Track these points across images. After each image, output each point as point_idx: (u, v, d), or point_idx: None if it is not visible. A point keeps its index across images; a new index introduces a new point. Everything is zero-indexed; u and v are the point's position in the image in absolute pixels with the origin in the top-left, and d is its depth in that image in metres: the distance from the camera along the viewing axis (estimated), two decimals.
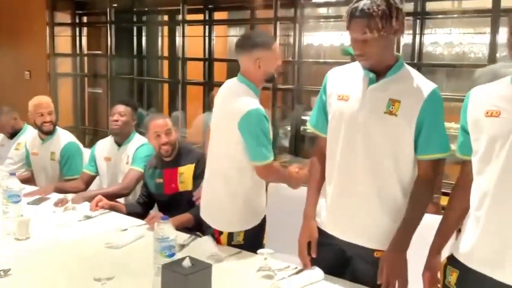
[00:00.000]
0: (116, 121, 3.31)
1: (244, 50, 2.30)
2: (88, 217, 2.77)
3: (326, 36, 4.74)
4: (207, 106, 4.77)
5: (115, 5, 5.03)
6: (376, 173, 1.87)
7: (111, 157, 3.36)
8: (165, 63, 5.57)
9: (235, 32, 5.98)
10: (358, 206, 1.92)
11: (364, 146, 1.87)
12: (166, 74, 5.61)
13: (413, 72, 1.90)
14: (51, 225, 2.62)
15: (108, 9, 4.94)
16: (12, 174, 2.51)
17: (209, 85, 4.69)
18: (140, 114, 5.52)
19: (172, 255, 1.86)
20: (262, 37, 2.34)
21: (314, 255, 2.02)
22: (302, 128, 4.06)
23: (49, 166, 3.58)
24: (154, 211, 2.94)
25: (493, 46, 3.26)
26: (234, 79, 2.40)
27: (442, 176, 1.93)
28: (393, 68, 1.87)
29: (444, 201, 3.06)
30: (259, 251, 1.96)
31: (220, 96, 2.44)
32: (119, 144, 3.36)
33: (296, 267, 2.09)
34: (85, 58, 5.78)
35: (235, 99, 2.32)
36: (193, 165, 2.86)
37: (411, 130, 1.83)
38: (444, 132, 1.86)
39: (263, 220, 2.43)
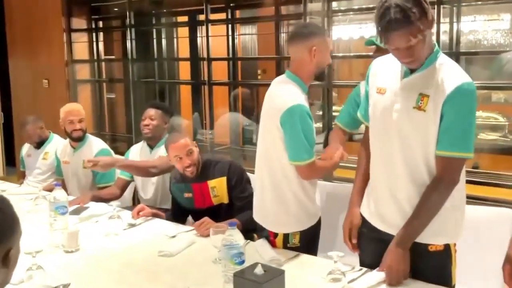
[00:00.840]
0: (147, 125, 3.27)
1: (299, 38, 2.24)
2: (132, 225, 2.70)
3: (354, 29, 4.66)
4: (232, 106, 4.70)
5: (134, 8, 4.94)
6: (411, 168, 1.83)
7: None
8: (183, 64, 5.51)
9: (249, 31, 5.92)
10: (403, 200, 1.86)
11: (398, 139, 1.83)
12: (184, 76, 5.56)
13: (448, 63, 1.81)
14: (98, 235, 2.56)
15: (127, 13, 4.86)
16: (58, 185, 2.44)
17: (235, 85, 4.62)
18: None
19: (242, 262, 1.79)
20: (317, 26, 2.36)
21: (354, 241, 2.04)
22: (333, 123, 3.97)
23: (82, 174, 3.51)
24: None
25: None
26: (283, 75, 2.33)
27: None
28: (427, 60, 1.79)
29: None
30: (329, 253, 1.89)
31: (267, 94, 2.38)
32: (151, 147, 3.30)
33: (361, 269, 2.03)
34: (103, 64, 5.71)
35: (280, 95, 2.27)
36: (225, 177, 2.72)
37: (437, 125, 1.76)
38: (467, 130, 1.76)
39: (319, 221, 2.36)
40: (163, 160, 2.99)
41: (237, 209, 2.69)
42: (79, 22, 5.58)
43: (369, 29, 4.78)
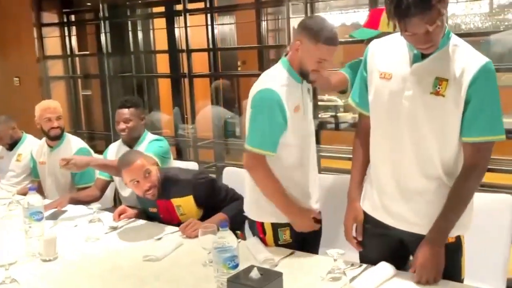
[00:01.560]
0: (123, 129, 3.01)
1: (298, 27, 2.12)
2: (114, 228, 2.54)
3: (337, 16, 4.54)
4: (214, 98, 4.55)
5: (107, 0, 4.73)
6: (423, 160, 1.71)
7: None
8: (160, 57, 5.32)
9: (227, 20, 5.75)
10: (411, 192, 1.75)
11: (409, 129, 1.70)
12: (162, 69, 5.37)
13: (462, 45, 1.69)
14: (77, 240, 2.39)
15: (100, 5, 4.65)
16: (32, 189, 2.26)
17: (216, 77, 4.46)
18: None
19: (236, 266, 1.66)
20: (317, 26, 2.03)
21: (360, 238, 1.93)
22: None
23: (60, 175, 3.32)
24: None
25: None
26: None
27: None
28: (441, 42, 1.65)
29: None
30: (328, 251, 1.76)
31: None
32: (131, 146, 3.12)
33: (361, 265, 1.91)
34: (77, 59, 5.49)
35: (259, 79, 2.14)
36: (191, 196, 2.50)
37: (459, 111, 1.65)
38: (496, 112, 1.65)
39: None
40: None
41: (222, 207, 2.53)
42: (50, 16, 5.36)
43: (350, 16, 4.68)
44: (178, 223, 2.50)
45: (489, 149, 1.69)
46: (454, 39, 1.69)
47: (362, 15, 4.31)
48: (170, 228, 2.48)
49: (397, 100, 1.72)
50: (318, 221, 2.21)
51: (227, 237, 1.65)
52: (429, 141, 1.69)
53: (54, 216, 2.74)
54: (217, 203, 2.53)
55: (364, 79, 1.86)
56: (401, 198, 1.77)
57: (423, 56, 1.68)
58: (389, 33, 2.42)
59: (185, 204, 2.53)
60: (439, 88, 1.64)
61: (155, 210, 2.62)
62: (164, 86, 5.56)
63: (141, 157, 2.49)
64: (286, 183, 2.12)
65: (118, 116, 3.08)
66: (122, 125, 3.00)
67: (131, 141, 3.09)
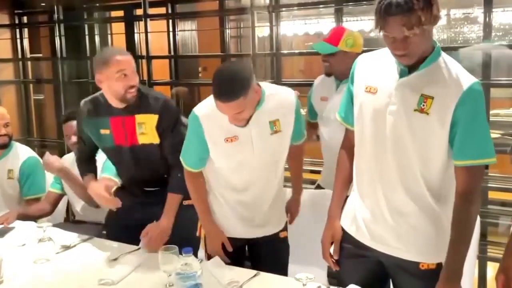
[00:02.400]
0: (76, 143, 2.74)
1: None
2: (67, 247, 2.37)
3: (300, 25, 4.49)
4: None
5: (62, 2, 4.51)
6: (407, 179, 1.67)
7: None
8: None
9: (188, 27, 5.62)
10: (394, 213, 1.70)
11: (392, 145, 1.66)
12: None
13: (451, 63, 1.66)
14: (26, 262, 2.21)
15: (55, 7, 4.43)
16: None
17: (177, 85, 4.32)
18: None
19: None
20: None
21: (336, 257, 1.89)
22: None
23: (7, 186, 3.09)
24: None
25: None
26: None
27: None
28: (428, 59, 1.63)
29: None
30: (297, 276, 1.68)
31: None
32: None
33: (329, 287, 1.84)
34: (29, 63, 5.22)
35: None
36: (156, 115, 2.30)
37: (444, 131, 1.60)
38: (485, 133, 1.62)
39: None
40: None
41: (170, 165, 2.38)
42: (0, 17, 5.07)
43: (313, 26, 4.65)
44: (132, 145, 2.34)
45: (481, 172, 1.67)
46: (443, 57, 1.65)
47: (325, 25, 4.28)
48: (126, 247, 2.33)
49: (381, 115, 1.66)
50: (229, 253, 2.16)
51: (191, 263, 1.53)
52: (412, 158, 1.64)
53: (0, 234, 2.54)
54: (172, 147, 2.34)
55: (351, 93, 1.81)
56: (383, 218, 1.72)
57: (410, 72, 1.63)
58: (345, 53, 2.57)
59: (149, 122, 2.32)
60: (423, 105, 1.60)
61: (107, 132, 2.38)
62: None
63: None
64: (219, 200, 2.18)
65: (67, 130, 2.89)
66: (75, 139, 2.76)
67: None
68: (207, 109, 2.05)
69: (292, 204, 2.41)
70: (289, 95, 2.07)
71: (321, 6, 3.74)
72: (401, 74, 1.65)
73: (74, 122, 2.75)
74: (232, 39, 4.27)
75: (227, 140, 2.03)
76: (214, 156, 2.09)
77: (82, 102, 2.45)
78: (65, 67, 4.55)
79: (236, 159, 2.07)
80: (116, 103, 2.31)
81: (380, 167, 1.70)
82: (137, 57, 4.53)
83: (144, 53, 4.22)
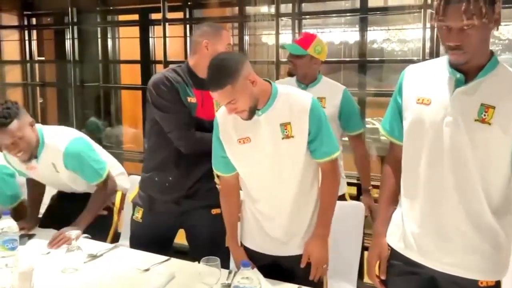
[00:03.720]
0: (18, 152, 2.45)
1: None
2: (94, 256, 2.27)
3: (323, 34, 4.44)
4: None
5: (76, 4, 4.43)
6: (465, 194, 1.59)
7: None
8: (125, 67, 5.04)
9: None
10: (450, 230, 1.63)
11: (450, 158, 1.59)
12: (127, 80, 5.09)
13: (511, 71, 1.60)
14: (53, 271, 2.11)
15: (69, 9, 4.34)
16: (6, 213, 1.98)
17: None
18: (94, 123, 4.98)
19: None
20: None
21: (383, 277, 1.79)
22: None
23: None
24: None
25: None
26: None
27: None
28: (487, 66, 1.57)
29: None
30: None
31: None
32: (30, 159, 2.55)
33: None
34: (36, 65, 5.12)
35: None
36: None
37: (507, 141, 1.54)
38: None
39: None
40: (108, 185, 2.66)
41: None
42: (9, 18, 4.96)
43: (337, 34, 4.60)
44: (209, 120, 2.21)
45: None
46: (503, 65, 1.60)
47: (350, 35, 4.25)
48: (157, 258, 2.25)
49: (437, 127, 1.60)
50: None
51: (252, 276, 1.45)
52: (472, 171, 1.57)
53: (23, 241, 2.42)
54: None
55: (398, 106, 1.74)
56: (438, 234, 1.64)
57: (467, 81, 1.58)
58: (312, 58, 2.70)
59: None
60: (485, 115, 1.53)
61: (193, 100, 2.34)
62: (127, 98, 5.26)
63: None
64: (246, 210, 2.13)
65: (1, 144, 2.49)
66: (15, 150, 2.44)
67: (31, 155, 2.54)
68: (224, 109, 2.01)
69: (309, 245, 2.02)
70: (303, 98, 1.95)
71: (346, 14, 3.71)
72: (457, 84, 1.59)
73: (4, 133, 2.38)
74: (250, 46, 4.20)
75: (239, 141, 1.98)
76: (230, 159, 2.04)
77: (163, 73, 2.36)
78: (77, 70, 4.44)
79: (249, 163, 2.01)
80: (203, 73, 2.18)
81: (435, 182, 1.62)
82: (152, 62, 4.47)
83: (158, 58, 4.12)
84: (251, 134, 1.96)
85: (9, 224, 1.95)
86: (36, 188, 2.80)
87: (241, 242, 2.16)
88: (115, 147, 4.80)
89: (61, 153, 2.50)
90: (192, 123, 2.33)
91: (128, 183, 2.94)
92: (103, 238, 2.64)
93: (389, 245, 1.78)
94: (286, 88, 2.01)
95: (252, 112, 1.90)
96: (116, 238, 2.94)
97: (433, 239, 1.65)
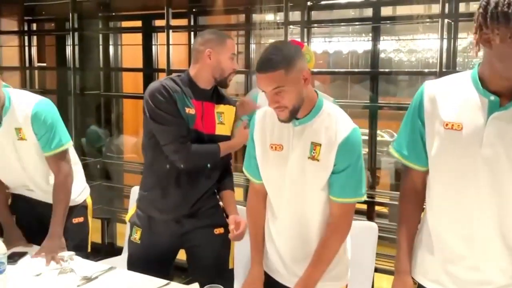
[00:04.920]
0: None
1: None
2: (88, 279, 2.11)
3: (330, 43, 4.33)
4: None
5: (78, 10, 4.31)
6: (503, 223, 1.45)
7: None
8: (127, 75, 4.93)
9: None
10: (488, 269, 1.49)
11: (488, 187, 1.44)
12: (129, 88, 4.97)
13: None
14: None
15: (71, 15, 4.21)
16: None
17: None
18: (95, 132, 4.85)
19: None
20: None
21: None
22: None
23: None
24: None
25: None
26: None
27: None
28: None
29: None
30: None
31: None
32: None
33: None
34: (36, 72, 5.00)
35: None
36: (234, 108, 2.36)
37: None
38: None
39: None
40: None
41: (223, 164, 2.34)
42: (9, 24, 4.85)
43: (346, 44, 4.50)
44: (208, 133, 2.23)
45: None
46: None
47: (360, 44, 4.13)
48: (156, 281, 2.09)
49: (472, 155, 1.44)
50: None
51: None
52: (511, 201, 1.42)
53: (12, 259, 2.27)
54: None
55: (419, 128, 1.58)
56: (474, 265, 1.50)
57: (501, 103, 1.42)
58: None
59: (228, 113, 2.33)
60: None
61: (192, 112, 2.20)
62: (129, 107, 5.13)
63: None
64: (267, 226, 1.97)
65: None
66: None
67: None
68: (266, 109, 1.87)
69: None
70: (342, 127, 1.75)
71: (358, 23, 3.57)
72: (492, 107, 1.43)
73: None
74: (256, 54, 4.07)
75: (271, 147, 1.84)
76: (258, 162, 1.90)
77: (161, 81, 2.24)
78: (77, 77, 4.31)
79: (273, 173, 1.86)
80: (205, 84, 2.25)
81: (470, 213, 1.48)
82: (155, 70, 4.35)
83: (161, 66, 4.00)
84: (284, 143, 1.81)
85: None
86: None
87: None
88: (116, 157, 4.66)
89: (29, 112, 2.24)
90: (189, 136, 2.19)
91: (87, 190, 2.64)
92: (82, 248, 2.47)
93: (415, 281, 1.63)
94: (333, 109, 1.83)
95: (292, 114, 1.74)
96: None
97: (472, 276, 1.51)
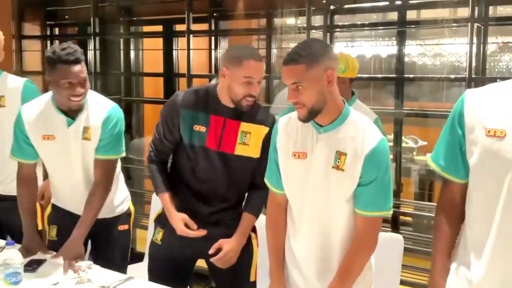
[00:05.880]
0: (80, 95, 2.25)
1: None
2: None
3: (356, 47, 4.25)
4: None
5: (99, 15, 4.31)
6: None
7: None
8: (148, 80, 4.92)
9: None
10: None
11: None
12: (149, 93, 4.96)
13: None
14: None
15: (92, 19, 4.22)
16: (10, 243, 1.80)
17: None
18: None
19: None
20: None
21: None
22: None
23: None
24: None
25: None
26: None
27: None
28: None
29: None
30: None
31: None
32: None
33: None
34: None
35: None
36: (267, 128, 2.11)
37: None
38: None
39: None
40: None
41: (255, 185, 2.19)
42: (31, 28, 4.89)
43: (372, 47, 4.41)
44: (222, 152, 2.12)
45: None
46: None
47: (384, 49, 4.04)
48: None
49: None
50: None
51: None
52: None
53: (30, 267, 2.24)
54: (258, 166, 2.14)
55: (459, 138, 1.51)
56: None
57: None
58: (338, 78, 2.43)
59: (256, 133, 2.13)
60: None
61: (203, 129, 2.12)
62: (150, 112, 5.13)
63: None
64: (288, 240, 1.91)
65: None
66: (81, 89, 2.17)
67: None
68: (290, 115, 1.83)
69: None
70: (369, 137, 1.69)
71: (383, 27, 3.49)
72: None
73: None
74: (278, 59, 4.03)
75: (294, 155, 1.77)
76: (280, 172, 1.84)
77: (180, 93, 2.20)
78: (98, 82, 4.32)
79: (297, 181, 1.80)
80: (226, 101, 2.11)
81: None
82: (175, 75, 4.33)
83: (182, 71, 3.97)
84: (308, 151, 1.75)
85: (13, 256, 1.77)
86: (29, 191, 2.40)
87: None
88: (136, 162, 4.65)
89: (104, 114, 2.26)
90: (163, 154, 2.25)
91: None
92: (126, 256, 2.53)
93: None
94: (361, 118, 1.77)
95: (311, 114, 1.68)
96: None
97: None
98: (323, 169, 1.72)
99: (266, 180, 1.94)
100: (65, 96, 2.14)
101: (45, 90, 4.97)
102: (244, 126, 2.13)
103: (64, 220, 2.43)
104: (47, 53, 2.15)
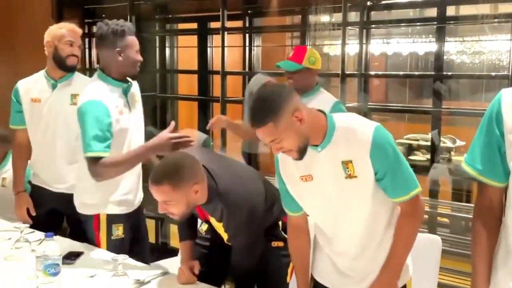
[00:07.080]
0: None
1: None
2: (141, 283, 2.10)
3: (392, 43, 4.18)
4: None
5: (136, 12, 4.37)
6: None
7: None
8: (182, 77, 4.96)
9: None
10: None
11: None
12: (183, 90, 4.99)
13: None
14: None
15: (129, 17, 4.28)
16: (49, 235, 1.84)
17: None
18: (151, 133, 4.90)
19: None
20: None
21: None
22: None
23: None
24: None
25: None
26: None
27: None
28: None
29: None
30: None
31: None
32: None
33: None
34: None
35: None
36: (221, 224, 2.11)
37: None
38: None
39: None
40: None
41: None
42: None
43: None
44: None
45: None
46: None
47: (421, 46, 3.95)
48: None
49: None
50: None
51: None
52: None
53: (70, 260, 2.28)
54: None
55: (496, 139, 1.44)
56: None
57: None
58: (308, 69, 2.75)
59: (219, 226, 2.16)
60: None
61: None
62: (184, 109, 5.17)
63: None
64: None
65: None
66: None
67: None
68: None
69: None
70: (363, 133, 1.67)
71: (422, 23, 3.42)
72: None
73: None
74: None
75: (302, 179, 1.76)
76: (294, 197, 1.84)
77: None
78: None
79: (313, 202, 1.80)
80: None
81: None
82: (210, 72, 4.34)
83: (216, 68, 3.99)
84: (313, 172, 1.74)
85: (52, 247, 1.81)
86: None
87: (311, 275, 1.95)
88: None
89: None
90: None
91: None
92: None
93: None
94: (347, 121, 1.74)
95: (301, 152, 1.67)
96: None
97: None
98: (337, 183, 1.71)
99: (283, 206, 1.93)
100: (133, 62, 2.51)
101: None
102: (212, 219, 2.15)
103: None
104: (114, 26, 2.39)
